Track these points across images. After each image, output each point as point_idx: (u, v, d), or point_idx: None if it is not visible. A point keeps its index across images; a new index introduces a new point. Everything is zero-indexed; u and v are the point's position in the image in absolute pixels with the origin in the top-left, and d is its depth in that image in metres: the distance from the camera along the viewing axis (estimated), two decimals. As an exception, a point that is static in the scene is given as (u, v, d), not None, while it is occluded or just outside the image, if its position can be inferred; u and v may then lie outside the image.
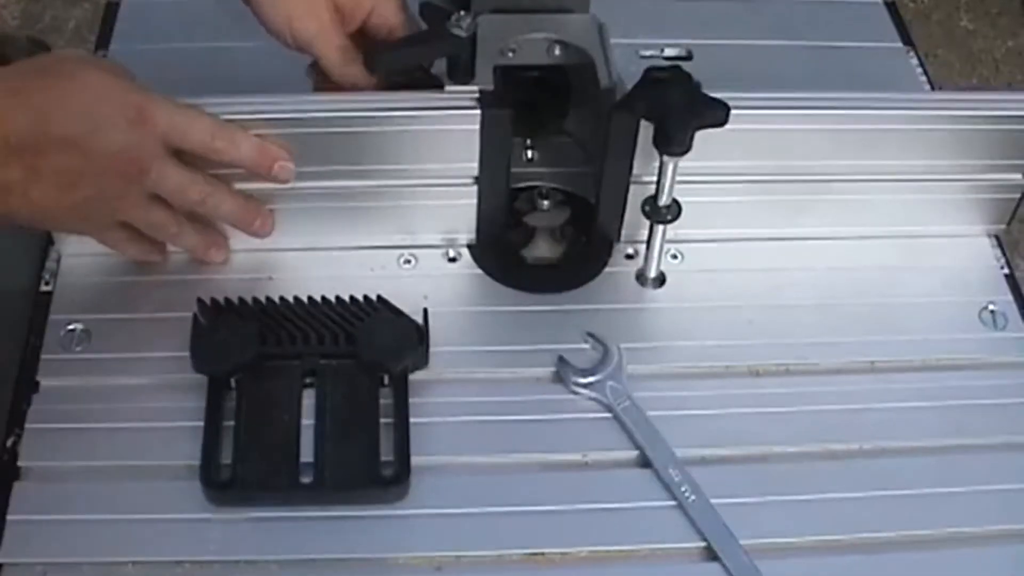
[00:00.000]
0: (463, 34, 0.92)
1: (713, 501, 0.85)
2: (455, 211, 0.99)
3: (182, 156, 0.88)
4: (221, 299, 0.94)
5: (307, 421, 0.87)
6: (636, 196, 0.97)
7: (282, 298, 0.94)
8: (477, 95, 0.93)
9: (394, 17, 0.97)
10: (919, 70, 1.20)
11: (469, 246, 1.01)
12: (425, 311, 0.93)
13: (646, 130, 0.91)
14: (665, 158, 0.91)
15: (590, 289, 0.99)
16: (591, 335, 0.95)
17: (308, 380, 0.90)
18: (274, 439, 0.86)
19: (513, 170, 0.99)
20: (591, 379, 0.92)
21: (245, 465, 0.85)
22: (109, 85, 0.84)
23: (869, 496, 0.88)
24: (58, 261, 0.97)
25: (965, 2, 2.85)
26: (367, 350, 0.90)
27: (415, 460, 0.85)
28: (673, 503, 0.86)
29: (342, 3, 0.95)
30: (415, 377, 0.91)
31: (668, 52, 1.17)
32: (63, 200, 0.85)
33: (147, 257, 0.96)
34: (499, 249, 1.01)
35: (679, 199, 0.94)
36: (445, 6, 0.95)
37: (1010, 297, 1.02)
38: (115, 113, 0.83)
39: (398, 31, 0.98)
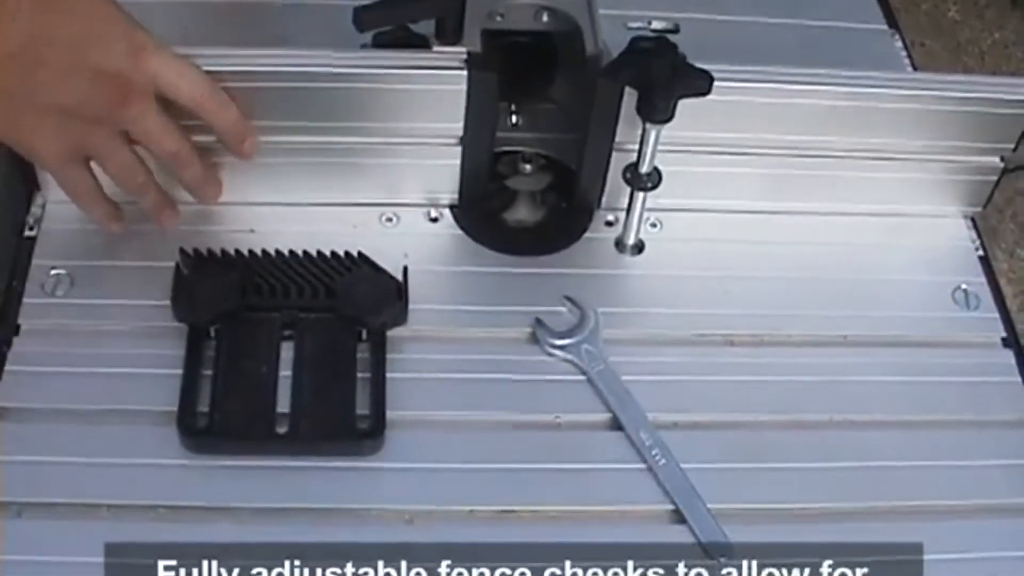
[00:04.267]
0: (452, -5, 0.93)
1: (683, 466, 0.86)
2: (438, 171, 0.99)
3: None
4: (203, 250, 0.94)
5: (285, 373, 0.88)
6: (618, 163, 0.97)
7: (264, 251, 0.94)
8: (465, 57, 0.93)
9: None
10: (903, 53, 1.21)
11: (451, 207, 1.01)
12: (405, 268, 0.94)
13: (630, 98, 0.92)
14: (648, 126, 0.92)
15: (569, 254, 1.00)
16: (568, 299, 0.95)
17: (287, 332, 0.90)
18: (251, 389, 0.87)
19: (497, 134, 0.99)
20: (567, 342, 0.93)
21: (222, 413, 0.86)
22: (115, 16, 0.83)
23: (836, 467, 0.89)
24: (43, 207, 0.97)
25: (953, -7, 2.87)
26: (346, 304, 0.91)
27: (390, 415, 0.86)
28: (643, 466, 0.87)
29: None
30: (393, 333, 0.92)
31: (655, 24, 1.17)
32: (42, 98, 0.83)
33: (106, 220, 0.93)
34: (480, 211, 1.02)
35: (660, 168, 0.95)
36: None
37: (983, 278, 1.03)
38: (117, 37, 0.82)
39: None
